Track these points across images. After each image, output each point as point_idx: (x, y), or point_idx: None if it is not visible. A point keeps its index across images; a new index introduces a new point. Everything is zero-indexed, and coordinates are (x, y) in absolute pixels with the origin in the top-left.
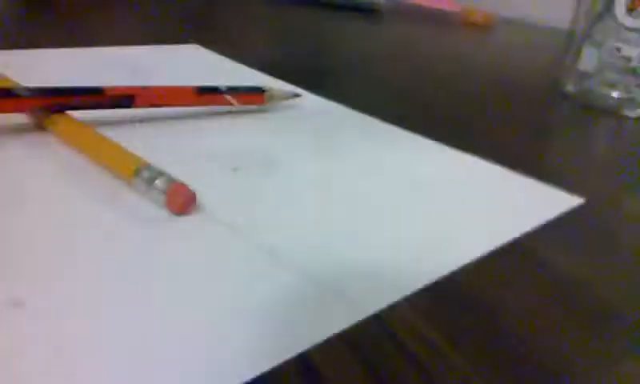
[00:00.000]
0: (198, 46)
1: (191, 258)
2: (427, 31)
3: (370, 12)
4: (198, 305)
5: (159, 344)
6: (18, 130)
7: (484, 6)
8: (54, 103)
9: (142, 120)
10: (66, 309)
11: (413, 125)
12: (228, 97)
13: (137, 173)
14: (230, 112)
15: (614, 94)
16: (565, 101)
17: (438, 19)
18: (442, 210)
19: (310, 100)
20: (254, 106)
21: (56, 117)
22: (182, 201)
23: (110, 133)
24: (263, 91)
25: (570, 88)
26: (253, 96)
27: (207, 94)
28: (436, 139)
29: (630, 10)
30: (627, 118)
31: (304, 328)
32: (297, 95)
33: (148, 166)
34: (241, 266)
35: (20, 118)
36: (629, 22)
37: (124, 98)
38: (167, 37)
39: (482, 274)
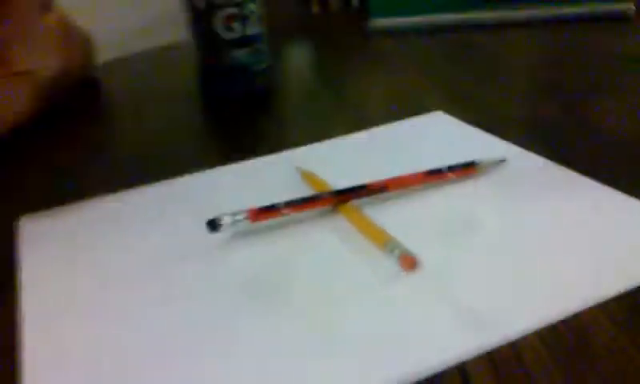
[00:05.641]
0: (441, 112)
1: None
2: None
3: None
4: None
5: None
6: (322, 213)
7: None
8: (341, 199)
9: (390, 198)
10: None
11: None
12: (449, 174)
13: (385, 245)
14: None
15: None
16: None
17: None
18: None
19: (525, 159)
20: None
21: (343, 206)
22: (410, 265)
23: (371, 210)
24: (475, 164)
25: None
26: (468, 169)
27: (434, 174)
28: None
29: None
30: None
31: None
32: (502, 161)
33: (391, 240)
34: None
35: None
36: None
37: (381, 188)
38: (416, 105)
39: None
